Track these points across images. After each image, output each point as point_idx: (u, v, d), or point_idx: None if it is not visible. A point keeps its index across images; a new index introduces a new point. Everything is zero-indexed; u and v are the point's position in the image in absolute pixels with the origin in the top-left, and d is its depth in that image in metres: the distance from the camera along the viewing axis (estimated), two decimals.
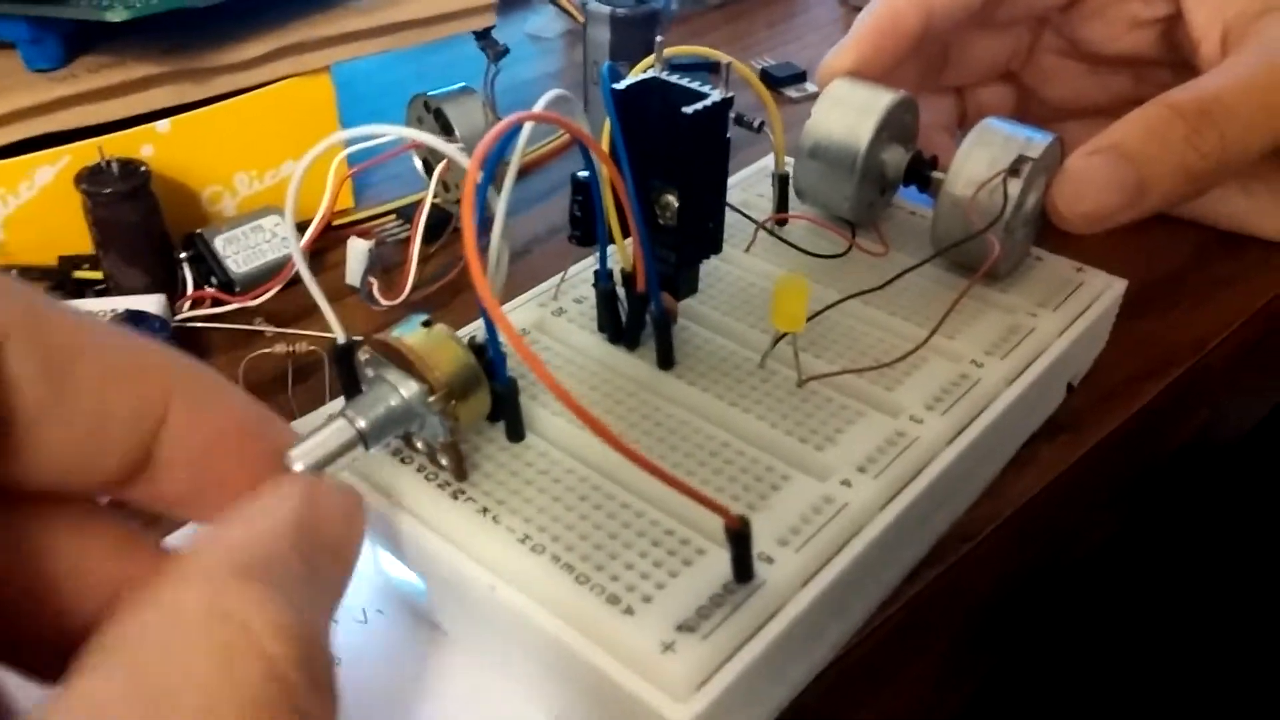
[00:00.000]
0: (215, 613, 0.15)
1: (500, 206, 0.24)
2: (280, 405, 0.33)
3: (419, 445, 0.25)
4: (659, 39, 0.27)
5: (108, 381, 0.18)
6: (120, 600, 0.16)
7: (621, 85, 0.27)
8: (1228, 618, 0.46)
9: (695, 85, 0.26)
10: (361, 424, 0.22)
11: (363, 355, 0.24)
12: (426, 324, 0.23)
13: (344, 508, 0.20)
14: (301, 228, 0.37)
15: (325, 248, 0.40)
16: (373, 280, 0.37)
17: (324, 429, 0.22)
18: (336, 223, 0.40)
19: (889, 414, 0.27)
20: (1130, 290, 0.33)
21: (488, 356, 0.24)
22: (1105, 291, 0.32)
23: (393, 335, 0.23)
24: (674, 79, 0.27)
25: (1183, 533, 0.44)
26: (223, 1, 0.34)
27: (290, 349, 0.34)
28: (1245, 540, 0.47)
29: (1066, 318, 0.31)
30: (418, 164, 0.44)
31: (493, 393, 0.24)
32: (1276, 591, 0.45)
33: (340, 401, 0.26)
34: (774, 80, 0.53)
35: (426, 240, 0.37)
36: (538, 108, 0.24)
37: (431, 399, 0.22)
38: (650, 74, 0.27)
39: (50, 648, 0.18)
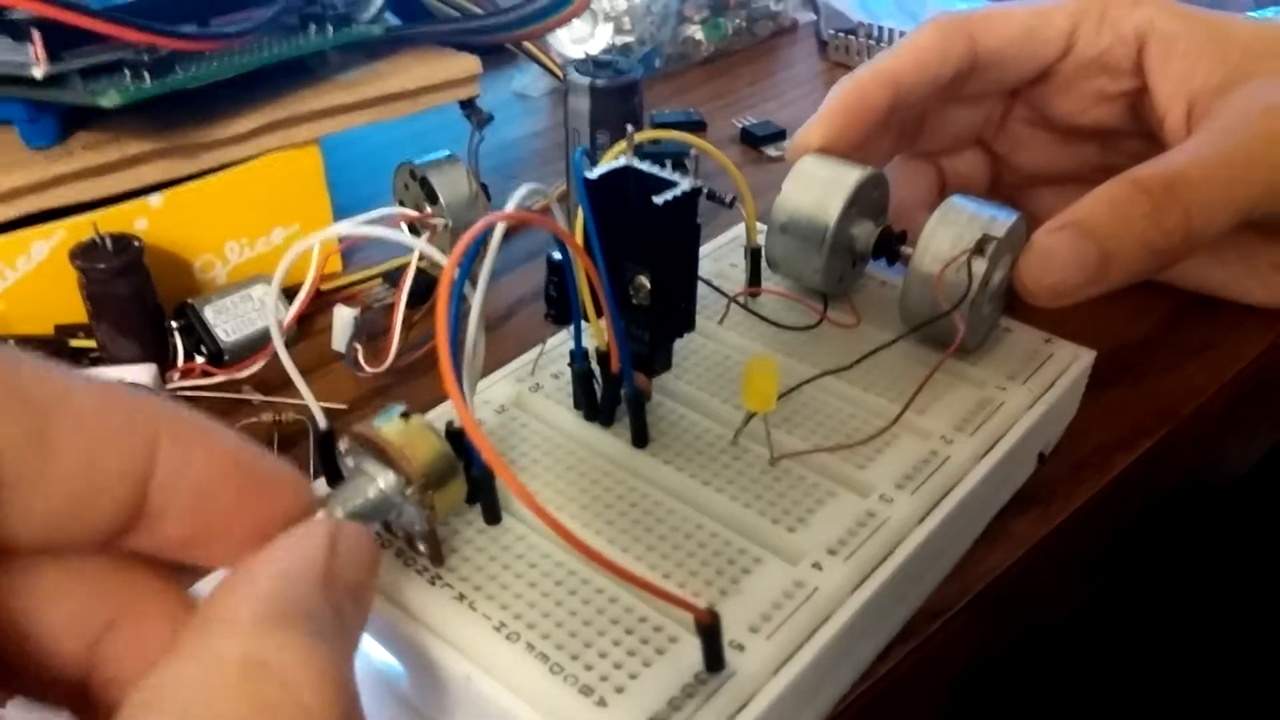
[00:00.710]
0: (253, 663, 0.15)
1: (476, 300, 0.24)
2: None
3: (397, 531, 0.25)
4: (629, 128, 0.28)
5: (92, 437, 0.18)
6: (153, 650, 0.16)
7: (593, 175, 0.27)
8: (1198, 675, 0.46)
9: (666, 173, 0.27)
10: (340, 515, 0.23)
11: (343, 445, 0.24)
12: (404, 415, 0.24)
13: (364, 550, 0.20)
14: (291, 292, 0.37)
15: (314, 312, 0.41)
16: (358, 347, 0.37)
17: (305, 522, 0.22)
18: (325, 287, 0.41)
19: (860, 493, 0.28)
20: (1101, 357, 0.34)
21: (465, 442, 0.25)
22: (1073, 363, 0.33)
23: (371, 426, 0.24)
24: (645, 167, 0.28)
25: (1153, 593, 0.44)
26: (214, 81, 0.35)
27: (276, 418, 0.34)
28: (1216, 597, 0.47)
29: (1035, 391, 0.32)
30: (404, 229, 0.44)
31: (470, 477, 0.25)
32: (1245, 648, 0.46)
33: (321, 482, 0.27)
34: (754, 138, 0.54)
35: (411, 305, 0.38)
36: (511, 204, 0.25)
37: (409, 490, 0.23)
38: (622, 160, 0.28)
39: (37, 685, 0.18)
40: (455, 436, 0.25)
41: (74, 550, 0.19)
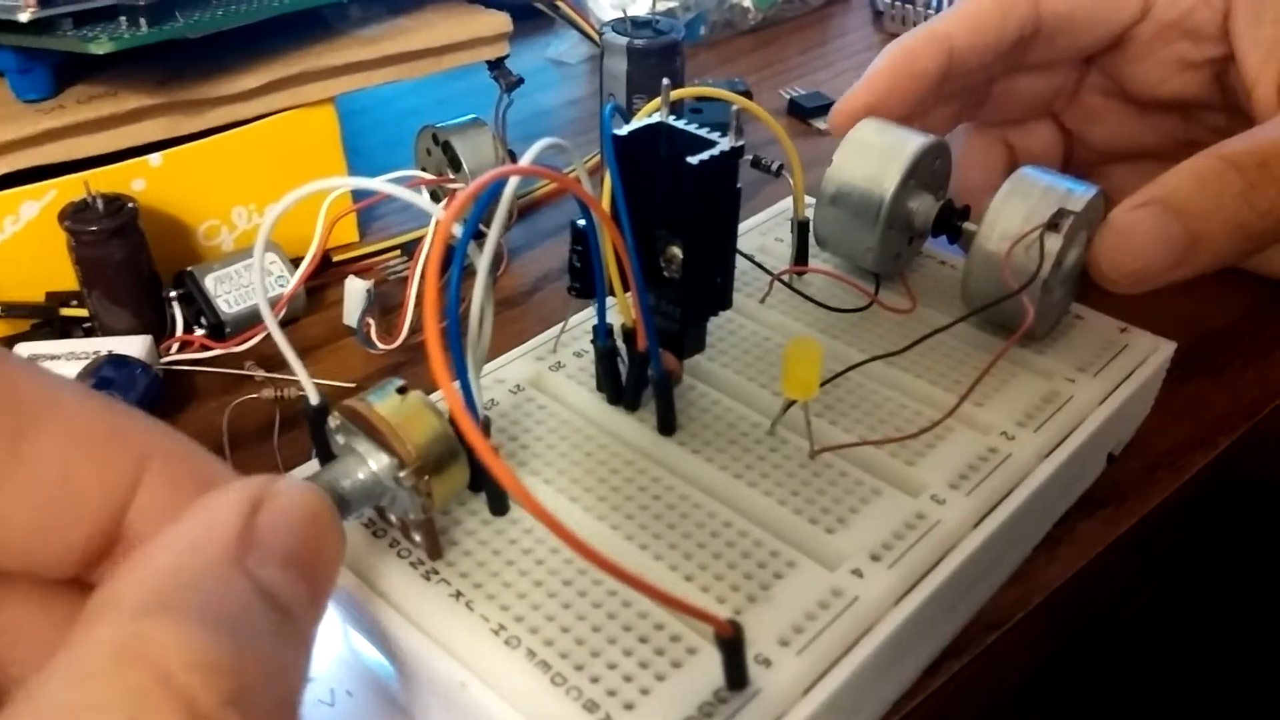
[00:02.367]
0: (126, 653, 0.14)
1: (483, 264, 0.22)
2: (265, 455, 0.31)
3: (392, 519, 0.23)
4: (665, 81, 0.25)
5: (74, 449, 0.17)
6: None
7: (623, 131, 0.25)
8: (1263, 676, 0.43)
9: (704, 132, 0.25)
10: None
11: (333, 421, 0.22)
12: (401, 390, 0.21)
13: (303, 511, 0.17)
14: (301, 263, 0.35)
15: (327, 283, 0.39)
16: (370, 321, 0.35)
17: None
18: (338, 258, 0.39)
19: (908, 493, 0.25)
20: (1178, 349, 0.31)
21: None
22: (1151, 355, 0.30)
23: (364, 402, 0.21)
24: (681, 124, 0.25)
25: (1220, 592, 0.41)
26: (217, 31, 0.33)
27: (278, 394, 0.32)
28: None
29: (1108, 384, 0.29)
30: (424, 197, 0.42)
31: (474, 462, 0.22)
32: None
33: (308, 468, 0.25)
34: (802, 110, 0.51)
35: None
36: (526, 159, 0.22)
37: (402, 474, 0.20)
38: (656, 118, 0.25)
39: None
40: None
41: (38, 576, 0.17)
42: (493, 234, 0.22)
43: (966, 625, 0.26)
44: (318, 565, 0.17)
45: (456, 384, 0.23)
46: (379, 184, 0.22)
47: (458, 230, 0.21)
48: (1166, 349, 0.30)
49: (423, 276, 0.34)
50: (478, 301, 0.22)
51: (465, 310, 0.22)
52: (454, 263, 0.21)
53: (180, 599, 0.14)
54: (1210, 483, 0.32)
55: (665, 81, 0.25)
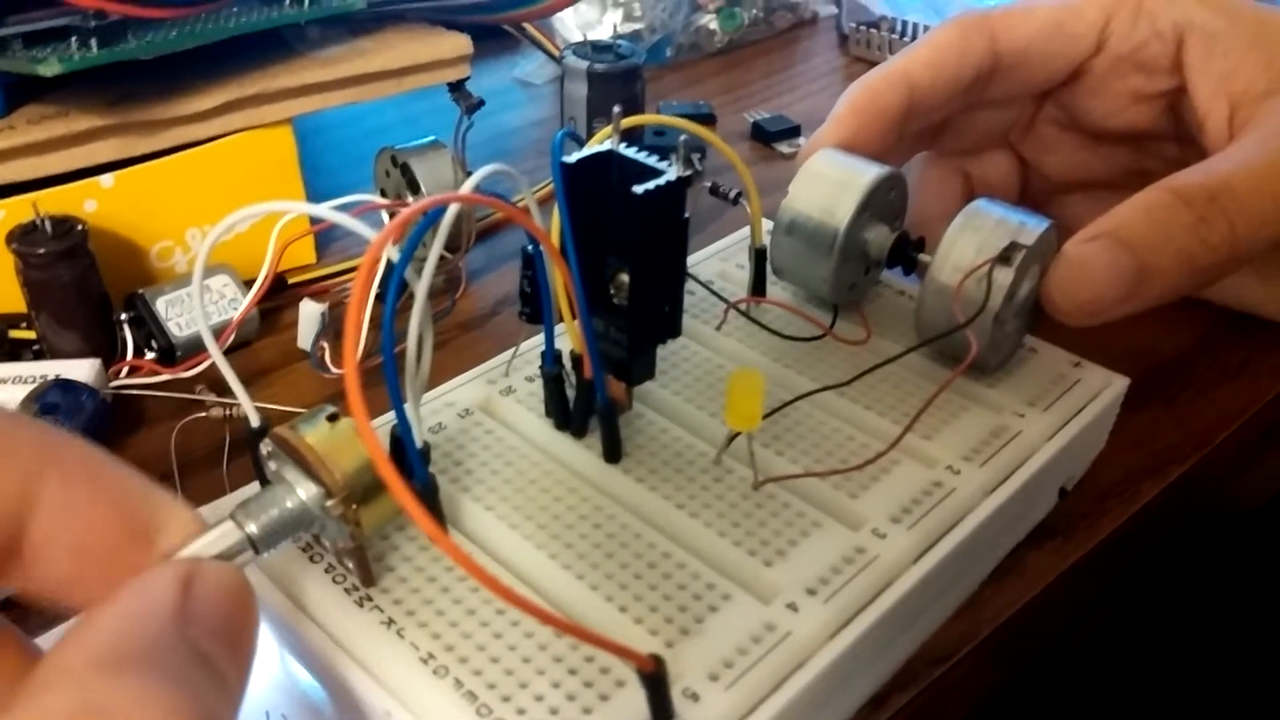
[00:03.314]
0: (89, 711, 0.14)
1: (421, 290, 0.21)
2: (214, 480, 0.31)
3: (326, 545, 0.22)
4: (616, 109, 0.25)
5: None
6: None
7: (572, 159, 0.25)
8: (1219, 700, 0.43)
9: (653, 161, 0.25)
10: (252, 528, 0.20)
11: (265, 448, 0.21)
12: (332, 418, 0.21)
13: (228, 589, 0.18)
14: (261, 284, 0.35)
15: (283, 305, 0.38)
16: (324, 345, 0.35)
17: (210, 531, 0.19)
18: (295, 279, 0.39)
19: (850, 526, 0.25)
20: (1130, 378, 0.31)
21: (404, 451, 0.22)
22: (1104, 391, 0.30)
23: (293, 430, 0.21)
24: (630, 152, 0.25)
25: (1173, 618, 0.41)
26: (172, 52, 0.33)
27: (226, 414, 0.32)
28: (1239, 621, 0.44)
29: (1058, 419, 0.29)
30: (385, 218, 0.42)
31: (410, 489, 0.22)
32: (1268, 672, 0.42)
33: (255, 488, 0.24)
34: (765, 134, 0.51)
35: (381, 299, 0.35)
36: (469, 185, 0.22)
37: (330, 503, 0.20)
38: (607, 145, 0.25)
39: None
40: (396, 444, 0.23)
41: None
42: (430, 260, 0.22)
43: (912, 659, 0.26)
44: (241, 637, 0.18)
45: (383, 418, 0.23)
46: (321, 210, 0.22)
47: (395, 255, 0.21)
48: (1119, 385, 0.30)
49: (380, 298, 0.34)
50: (414, 327, 0.22)
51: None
52: (390, 285, 0.21)
53: (135, 660, 0.15)
54: (1161, 513, 0.32)
55: (616, 109, 0.25)
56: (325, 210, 0.21)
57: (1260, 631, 0.43)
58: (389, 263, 0.34)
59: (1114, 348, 0.32)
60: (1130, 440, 0.33)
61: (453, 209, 0.22)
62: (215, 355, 0.22)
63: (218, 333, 0.34)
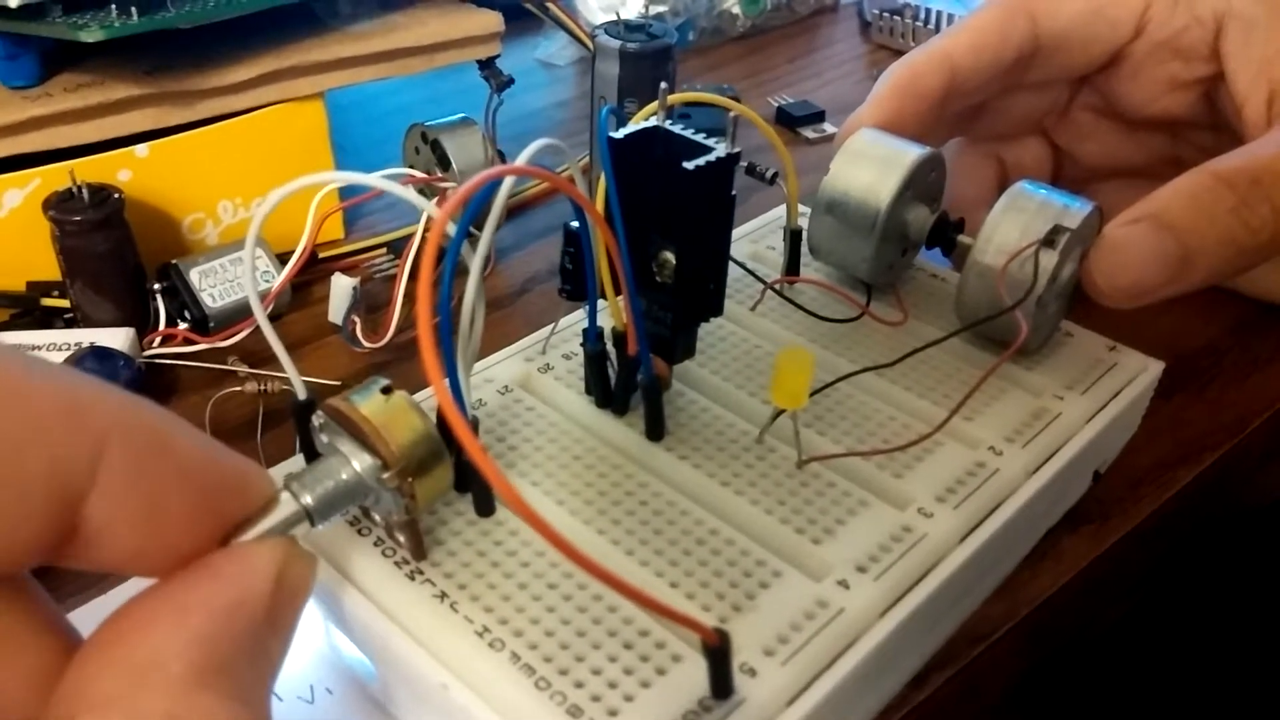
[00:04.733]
0: None
1: (475, 264, 0.21)
2: (248, 452, 0.30)
3: (376, 518, 0.22)
4: (663, 86, 0.25)
5: (18, 429, 0.15)
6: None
7: (619, 134, 0.24)
8: (1241, 688, 0.43)
9: (700, 138, 0.24)
10: (307, 499, 0.20)
11: (316, 420, 0.21)
12: (386, 390, 0.21)
13: (305, 585, 0.18)
14: (287, 259, 0.35)
15: (313, 280, 0.38)
16: (356, 320, 0.35)
17: None
18: (325, 254, 0.38)
19: (896, 505, 0.25)
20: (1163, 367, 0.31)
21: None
22: (1140, 375, 0.30)
23: (348, 402, 0.21)
24: (678, 128, 0.25)
25: (1198, 605, 0.41)
26: (208, 22, 0.32)
27: (261, 388, 0.32)
28: (1262, 611, 0.44)
29: (1096, 402, 0.29)
30: (413, 194, 0.42)
31: (460, 464, 0.22)
32: None
33: (300, 460, 0.24)
34: (791, 119, 0.51)
35: (416, 277, 0.35)
36: (523, 158, 0.22)
37: (386, 475, 0.20)
38: (652, 122, 0.25)
39: None
40: (440, 420, 0.23)
41: None
42: (486, 233, 0.21)
43: (951, 638, 0.26)
44: (294, 620, 0.18)
45: (446, 382, 0.23)
46: (374, 179, 0.22)
47: (451, 229, 0.21)
48: (1155, 369, 0.30)
49: (414, 273, 0.34)
50: (469, 301, 0.22)
51: (456, 308, 0.22)
52: (447, 261, 0.21)
53: (223, 673, 0.15)
54: (1193, 500, 0.32)
55: (663, 86, 0.25)
56: (383, 181, 0.21)
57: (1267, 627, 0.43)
58: (424, 238, 0.35)
59: (1145, 336, 0.32)
60: (1163, 427, 0.33)
61: (506, 182, 0.22)
62: (265, 327, 0.22)
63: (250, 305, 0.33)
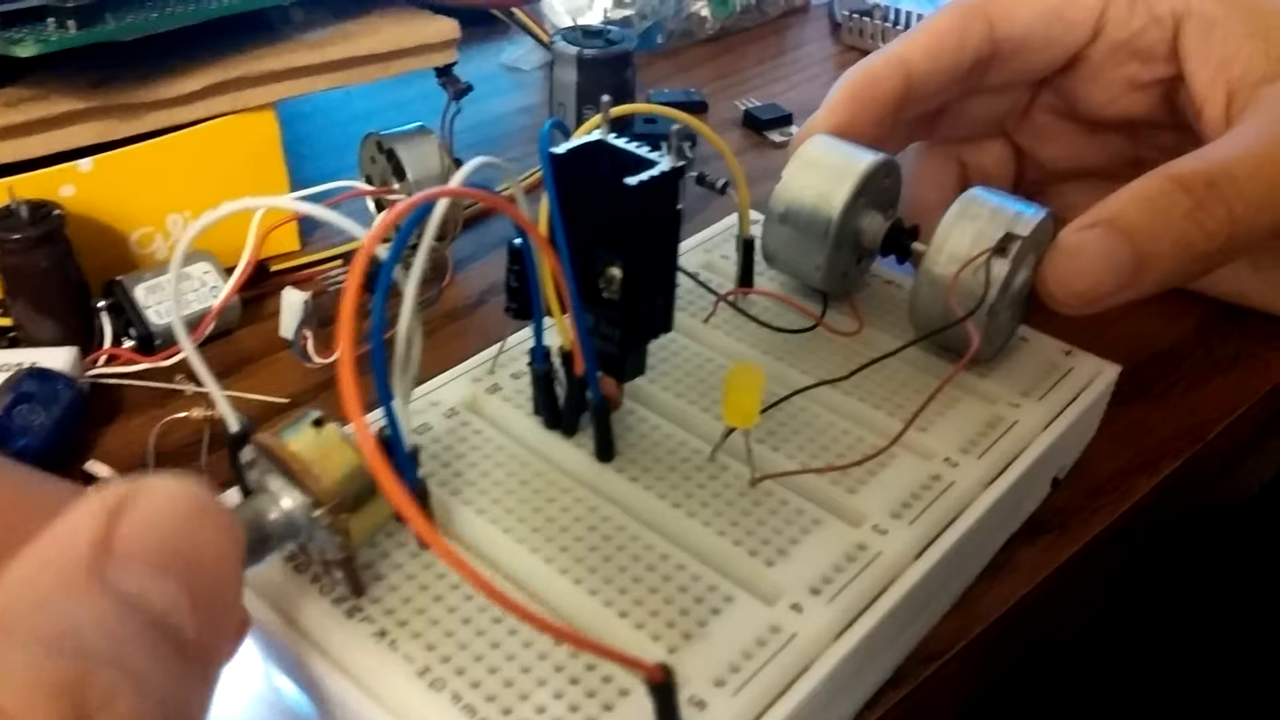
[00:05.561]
0: None
1: (410, 288, 0.21)
2: (192, 474, 0.30)
3: (313, 554, 0.22)
4: (605, 98, 0.25)
5: None
6: None
7: (561, 150, 0.24)
8: (1208, 690, 0.43)
9: (644, 151, 0.24)
10: None
11: (246, 456, 0.21)
12: (318, 423, 0.20)
13: (177, 505, 0.15)
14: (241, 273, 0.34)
15: (266, 293, 0.38)
16: (307, 334, 0.34)
17: None
18: (277, 267, 0.38)
19: (850, 522, 0.24)
20: (1122, 371, 0.30)
21: (393, 455, 0.21)
22: (1096, 379, 0.30)
23: (276, 437, 0.20)
24: (621, 142, 0.24)
25: (1161, 609, 0.41)
26: (152, 34, 0.32)
27: (208, 414, 0.31)
28: (1228, 612, 0.44)
29: (1053, 409, 0.28)
30: (370, 206, 0.41)
31: None
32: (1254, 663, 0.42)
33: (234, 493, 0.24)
34: (757, 122, 0.51)
35: (367, 290, 0.34)
36: (457, 179, 0.21)
37: (317, 513, 0.20)
38: (596, 135, 0.25)
39: None
40: (385, 448, 0.22)
41: None
42: (419, 260, 0.21)
43: (906, 657, 0.26)
44: (197, 566, 0.15)
45: (375, 414, 0.22)
46: (302, 206, 0.21)
47: (384, 252, 0.20)
48: (1110, 373, 0.30)
49: (340, 310, 0.33)
50: (404, 326, 0.21)
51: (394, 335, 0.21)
52: (379, 286, 0.20)
53: (22, 623, 0.13)
54: (1153, 508, 0.32)
55: (605, 98, 0.25)
56: (306, 206, 0.21)
57: (1247, 623, 0.43)
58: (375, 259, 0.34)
59: (1106, 339, 0.31)
60: (1122, 434, 0.32)
61: (441, 204, 0.21)
62: (191, 355, 0.22)
63: (197, 321, 0.33)
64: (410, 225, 0.20)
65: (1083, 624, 0.32)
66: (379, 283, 0.20)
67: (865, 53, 0.59)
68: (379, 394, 0.20)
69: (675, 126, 0.25)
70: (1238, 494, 0.39)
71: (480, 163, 0.22)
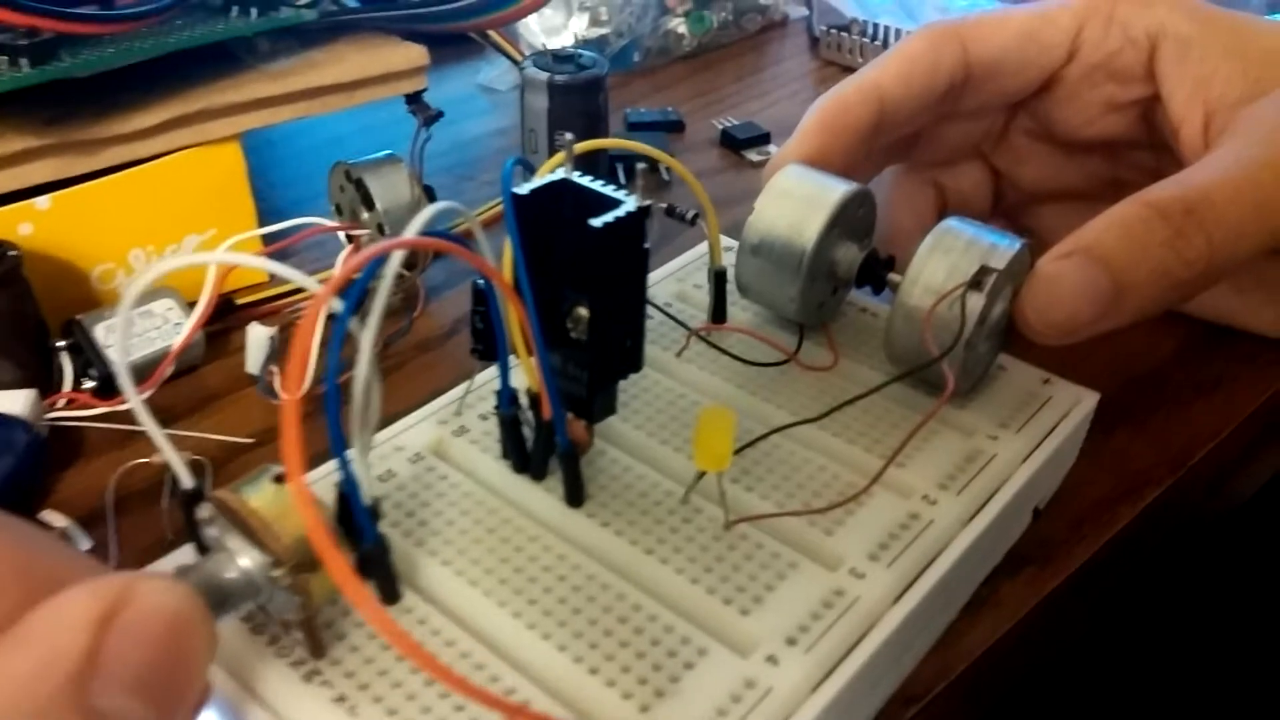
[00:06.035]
0: None
1: (366, 341, 0.20)
2: (151, 519, 0.29)
3: (272, 614, 0.21)
4: (568, 136, 0.24)
5: None
6: None
7: (524, 190, 0.23)
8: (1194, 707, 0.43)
9: (609, 190, 0.23)
10: None
11: (203, 513, 0.20)
12: (278, 479, 0.20)
13: (165, 617, 0.16)
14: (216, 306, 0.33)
15: (231, 328, 0.37)
16: (274, 370, 0.33)
17: None
18: (244, 300, 0.37)
19: (827, 566, 0.24)
20: (1102, 397, 0.30)
21: (354, 511, 0.21)
22: (1075, 408, 0.29)
23: (235, 494, 0.19)
24: (584, 181, 0.24)
25: (1145, 645, 0.41)
26: (108, 69, 0.31)
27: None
28: (1214, 625, 0.43)
29: (1032, 440, 0.28)
30: (341, 236, 0.40)
31: (363, 552, 0.21)
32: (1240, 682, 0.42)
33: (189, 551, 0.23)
34: (735, 142, 0.50)
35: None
36: (413, 228, 0.20)
37: (276, 573, 0.19)
38: (559, 174, 0.24)
39: None
40: (344, 501, 0.21)
41: None
42: (376, 310, 0.20)
43: (886, 700, 0.25)
44: (173, 685, 0.16)
45: (328, 466, 0.21)
46: (251, 260, 0.21)
47: (338, 305, 0.20)
48: (1089, 401, 0.30)
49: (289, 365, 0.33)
50: (361, 380, 0.21)
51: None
52: (333, 339, 0.20)
53: None
54: (1137, 536, 0.31)
55: (568, 136, 0.24)
56: (262, 261, 0.20)
57: (1232, 643, 0.43)
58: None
59: (1087, 363, 0.31)
60: (1105, 461, 0.32)
61: (397, 255, 0.21)
62: (138, 409, 0.21)
63: (160, 359, 0.32)
64: (367, 275, 0.19)
65: (1066, 657, 0.31)
66: (333, 337, 0.19)
67: (844, 68, 0.59)
68: (332, 446, 0.20)
69: (642, 165, 0.24)
70: (1221, 515, 0.38)
71: (440, 208, 0.21)
